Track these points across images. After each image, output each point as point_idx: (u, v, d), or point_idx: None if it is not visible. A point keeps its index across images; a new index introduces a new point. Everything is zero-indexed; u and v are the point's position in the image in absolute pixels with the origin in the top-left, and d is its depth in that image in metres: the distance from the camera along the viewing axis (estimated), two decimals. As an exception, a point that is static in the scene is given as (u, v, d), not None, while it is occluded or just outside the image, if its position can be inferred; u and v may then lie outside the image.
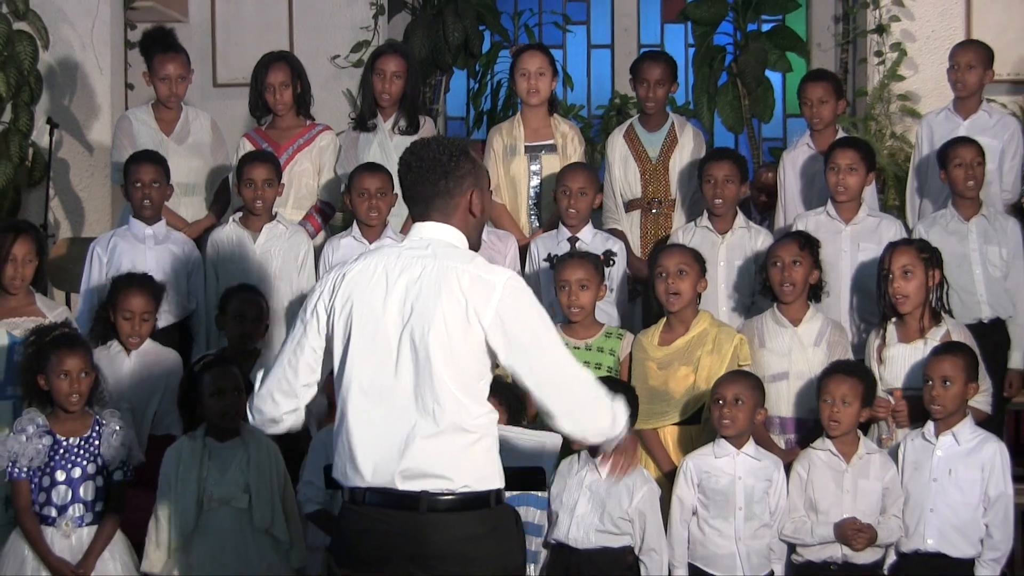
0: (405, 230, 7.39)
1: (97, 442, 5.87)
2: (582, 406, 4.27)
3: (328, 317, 4.25)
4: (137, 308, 6.57)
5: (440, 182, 4.30)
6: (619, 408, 4.34)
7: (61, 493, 5.80)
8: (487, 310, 4.16)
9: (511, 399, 5.73)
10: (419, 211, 4.35)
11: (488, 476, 4.23)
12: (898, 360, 6.34)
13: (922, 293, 6.35)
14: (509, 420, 5.73)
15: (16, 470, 5.79)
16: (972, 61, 7.71)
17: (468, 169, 4.35)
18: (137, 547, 5.88)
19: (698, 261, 6.46)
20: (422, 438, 4.14)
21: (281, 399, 4.30)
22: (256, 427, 4.42)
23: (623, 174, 7.64)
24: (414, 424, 4.15)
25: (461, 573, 4.16)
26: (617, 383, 5.80)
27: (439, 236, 4.31)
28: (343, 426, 4.21)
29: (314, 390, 4.33)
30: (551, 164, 7.51)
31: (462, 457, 4.18)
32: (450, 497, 4.16)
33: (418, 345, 4.15)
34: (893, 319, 6.42)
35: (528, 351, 4.19)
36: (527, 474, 4.54)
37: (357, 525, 4.21)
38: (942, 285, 6.54)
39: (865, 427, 6.21)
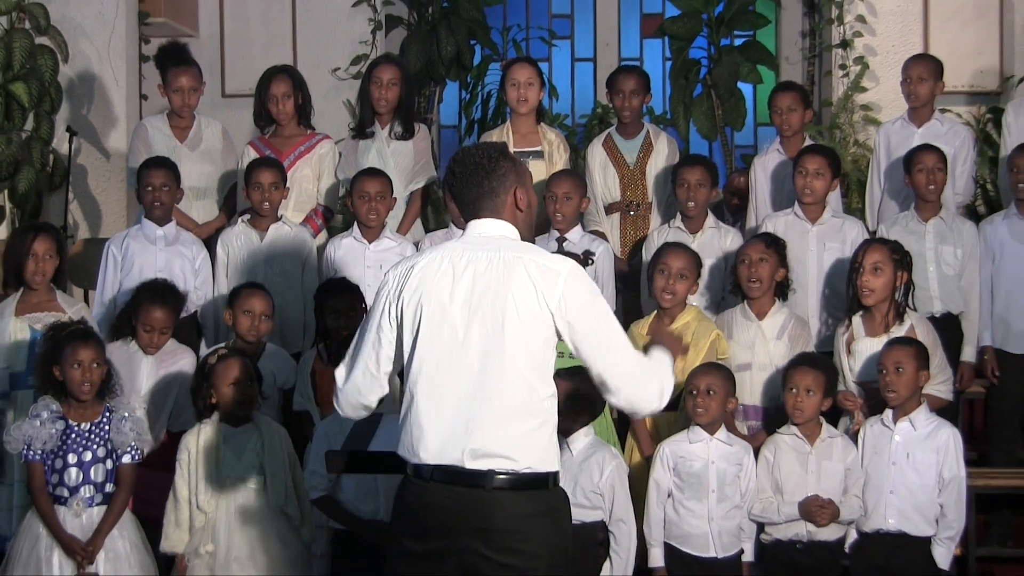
0: (404, 230, 7.46)
1: (107, 428, 5.87)
2: (635, 383, 4.33)
3: (398, 309, 4.28)
4: (157, 323, 6.55)
5: (484, 183, 4.35)
6: (667, 384, 4.40)
7: (73, 475, 5.80)
8: (555, 294, 4.21)
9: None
10: (470, 211, 4.39)
11: (549, 459, 4.28)
12: (865, 353, 6.33)
13: (888, 290, 6.35)
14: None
15: (31, 452, 5.80)
16: (923, 74, 7.72)
17: (508, 168, 4.40)
18: (152, 525, 5.88)
19: (698, 267, 6.48)
20: (490, 420, 4.18)
21: (368, 391, 4.36)
22: (345, 414, 4.47)
23: (603, 179, 7.64)
24: (483, 406, 4.18)
25: (519, 548, 4.18)
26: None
27: (494, 231, 4.35)
28: (412, 407, 4.24)
29: (394, 376, 4.37)
30: (538, 170, 7.48)
31: (527, 439, 4.21)
32: (513, 477, 4.19)
33: (490, 331, 4.20)
34: (859, 313, 6.42)
35: (590, 332, 4.26)
36: None
37: (423, 499, 4.22)
38: (909, 286, 6.53)
39: (832, 416, 6.21)
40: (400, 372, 4.39)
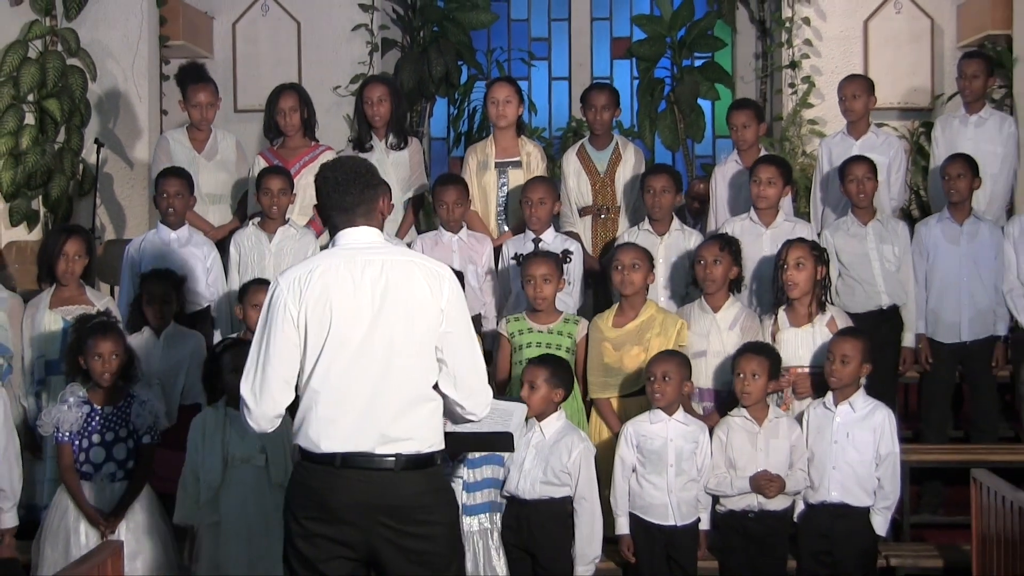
0: (402, 235, 7.43)
1: (128, 411, 5.87)
2: (479, 392, 4.36)
3: (303, 316, 4.19)
4: (157, 294, 6.56)
5: (365, 191, 4.33)
6: (516, 414, 4.67)
7: (97, 454, 5.80)
8: (443, 294, 4.25)
9: (566, 380, 5.84)
10: (346, 218, 4.32)
11: (439, 440, 4.31)
12: (790, 341, 6.33)
13: (810, 283, 6.35)
14: (563, 399, 5.83)
15: (60, 434, 5.81)
16: (856, 91, 7.72)
17: (380, 179, 4.45)
18: (168, 499, 5.86)
19: (648, 258, 6.45)
20: (397, 409, 4.17)
21: (283, 399, 4.24)
22: (258, 427, 4.27)
23: (576, 185, 7.61)
24: (391, 397, 4.17)
25: (424, 519, 4.21)
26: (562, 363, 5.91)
27: (367, 238, 4.32)
28: (317, 403, 4.18)
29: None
30: (517, 178, 7.50)
31: (426, 423, 4.23)
32: (415, 457, 4.20)
33: (393, 328, 4.18)
34: (783, 307, 6.41)
35: (460, 336, 4.29)
36: (497, 437, 4.54)
37: (331, 484, 4.18)
38: (827, 280, 6.54)
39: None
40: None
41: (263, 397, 4.21)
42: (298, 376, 4.22)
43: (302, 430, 4.22)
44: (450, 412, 4.34)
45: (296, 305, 4.20)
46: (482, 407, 4.38)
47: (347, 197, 4.30)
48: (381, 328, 4.17)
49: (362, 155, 7.50)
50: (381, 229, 4.43)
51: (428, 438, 4.23)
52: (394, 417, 4.17)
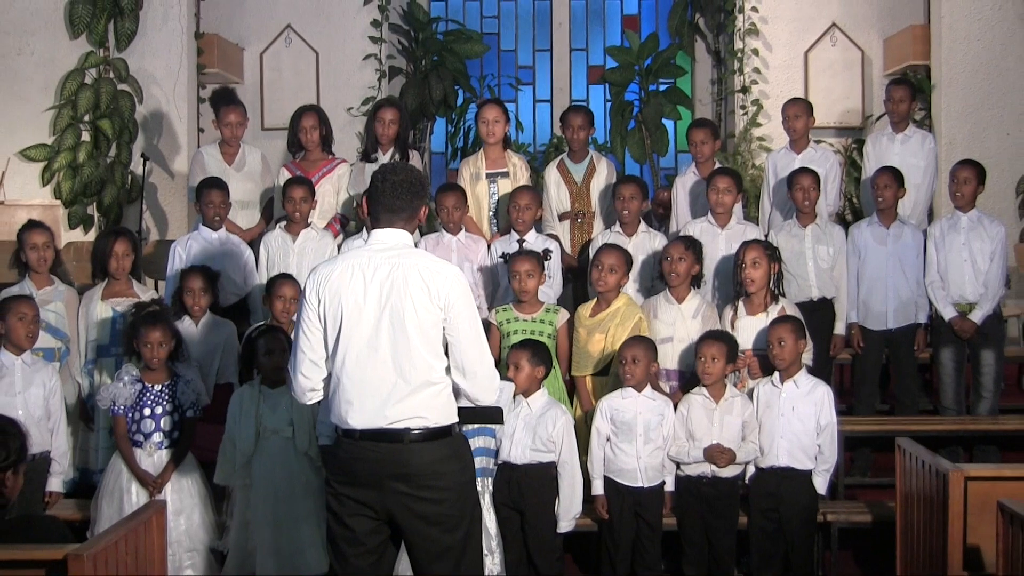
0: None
1: (174, 389, 5.88)
2: (484, 378, 4.32)
3: (321, 310, 4.22)
4: (196, 287, 6.53)
5: (412, 200, 4.31)
6: (503, 391, 4.48)
7: (147, 425, 5.81)
8: (443, 293, 4.21)
9: (545, 359, 5.82)
10: (387, 219, 4.32)
11: (449, 414, 4.28)
12: (747, 328, 6.34)
13: (765, 279, 6.36)
14: (545, 375, 5.83)
15: (116, 407, 5.83)
16: (798, 112, 7.75)
17: (427, 191, 4.44)
18: (208, 466, 5.87)
19: (626, 262, 6.43)
20: (403, 392, 4.18)
21: (314, 376, 4.28)
22: (299, 399, 4.36)
23: (556, 194, 7.59)
24: (395, 382, 4.18)
25: (433, 485, 4.21)
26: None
27: (396, 240, 4.31)
28: (340, 388, 4.21)
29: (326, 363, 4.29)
30: (505, 186, 7.48)
31: (432, 402, 4.22)
32: (424, 431, 4.20)
33: (395, 324, 4.18)
34: (742, 298, 6.42)
35: (464, 329, 4.25)
36: (489, 411, 4.54)
37: (354, 454, 4.22)
38: (780, 275, 6.56)
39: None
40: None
41: (296, 374, 4.29)
42: (330, 362, 4.25)
43: (332, 409, 4.26)
44: (463, 395, 4.33)
45: (317, 299, 4.23)
46: (487, 392, 4.34)
47: (396, 201, 4.30)
48: (386, 323, 4.17)
49: (368, 165, 7.55)
50: (413, 232, 4.41)
51: (436, 415, 4.22)
52: (402, 399, 4.17)
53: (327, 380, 4.30)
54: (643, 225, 7.16)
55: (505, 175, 7.55)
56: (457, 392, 4.32)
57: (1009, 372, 8.10)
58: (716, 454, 5.82)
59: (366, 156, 7.69)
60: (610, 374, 6.21)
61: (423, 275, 4.21)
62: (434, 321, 4.21)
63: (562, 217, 7.60)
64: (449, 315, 4.22)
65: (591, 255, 6.83)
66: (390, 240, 4.30)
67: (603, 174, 7.61)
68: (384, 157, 7.58)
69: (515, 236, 7.07)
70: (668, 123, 11.20)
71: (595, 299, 6.50)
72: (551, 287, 6.96)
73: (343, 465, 4.25)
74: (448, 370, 4.28)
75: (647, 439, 5.84)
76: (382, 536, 4.28)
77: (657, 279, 6.81)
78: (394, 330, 4.18)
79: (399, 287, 4.19)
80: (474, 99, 11.22)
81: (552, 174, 7.69)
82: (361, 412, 4.18)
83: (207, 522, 5.83)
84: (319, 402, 4.39)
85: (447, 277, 4.26)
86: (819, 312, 6.98)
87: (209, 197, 7.11)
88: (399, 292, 4.18)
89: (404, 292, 4.18)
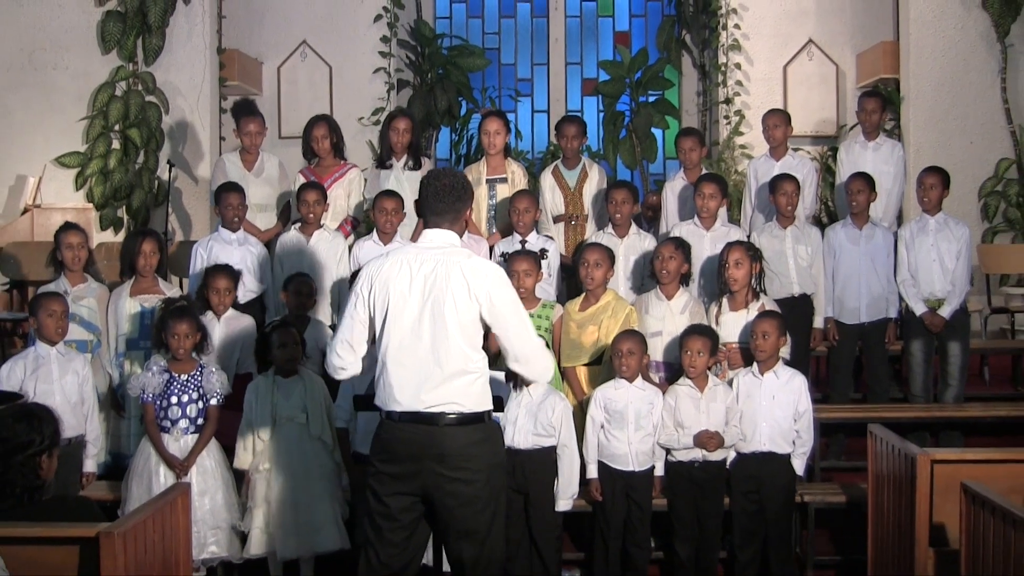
0: (416, 235, 7.41)
1: (199, 378, 5.87)
2: (536, 360, 4.36)
3: (370, 299, 4.28)
4: (221, 286, 6.52)
5: (455, 202, 4.37)
6: (551, 365, 4.50)
7: (174, 412, 5.81)
8: (482, 290, 4.23)
9: None
10: (434, 220, 4.38)
11: (483, 402, 4.30)
12: (730, 323, 6.34)
13: (747, 278, 6.36)
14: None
15: (145, 395, 5.83)
16: (776, 122, 7.75)
17: (471, 195, 4.45)
18: (230, 450, 5.88)
19: (610, 257, 6.42)
20: (440, 379, 4.21)
21: (344, 353, 4.31)
22: (330, 373, 4.40)
23: (552, 198, 7.59)
24: (432, 369, 4.21)
25: (465, 466, 4.23)
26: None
27: (443, 240, 4.36)
28: (384, 372, 4.25)
29: (365, 347, 4.34)
30: (503, 191, 7.47)
31: (467, 389, 4.25)
32: (459, 416, 4.22)
33: (435, 317, 4.21)
34: (726, 295, 6.42)
35: (507, 319, 4.27)
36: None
37: (394, 435, 4.25)
38: (761, 274, 6.57)
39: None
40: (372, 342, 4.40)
41: (331, 352, 4.34)
42: (377, 348, 4.31)
43: (377, 392, 4.30)
44: (521, 379, 4.36)
45: (367, 289, 4.29)
46: (541, 373, 4.44)
47: (439, 204, 4.35)
48: (428, 313, 4.21)
49: (383, 172, 7.55)
50: (461, 234, 4.45)
51: (470, 402, 4.24)
52: (439, 385, 4.19)
53: (365, 361, 4.35)
54: (634, 227, 7.15)
55: (503, 180, 7.54)
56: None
57: (972, 363, 8.09)
58: (706, 439, 5.82)
59: (381, 163, 7.69)
60: (603, 364, 6.20)
61: (464, 271, 4.25)
62: (472, 314, 4.23)
63: (556, 220, 7.60)
64: (491, 309, 4.24)
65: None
66: (438, 240, 4.35)
67: (595, 180, 7.61)
68: (398, 164, 7.58)
69: (516, 237, 7.07)
70: (657, 132, 11.21)
71: (583, 295, 6.50)
72: (551, 284, 6.97)
73: (384, 445, 4.28)
74: (481, 360, 4.30)
75: (638, 426, 5.83)
76: (415, 514, 4.29)
77: (648, 277, 6.81)
78: (435, 320, 4.21)
79: (441, 281, 4.23)
80: (477, 109, 11.24)
81: (547, 179, 7.69)
82: (401, 395, 4.21)
83: (229, 502, 5.82)
84: (335, 390, 4.39)
85: (487, 274, 4.29)
86: (800, 307, 6.98)
87: (228, 200, 7.10)
88: (441, 286, 4.22)
89: (446, 286, 4.22)
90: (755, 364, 6.00)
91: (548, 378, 4.53)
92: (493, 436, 4.38)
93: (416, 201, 4.49)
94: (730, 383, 6.05)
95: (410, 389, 4.21)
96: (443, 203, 4.35)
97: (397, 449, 4.23)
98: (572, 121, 7.74)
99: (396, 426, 4.23)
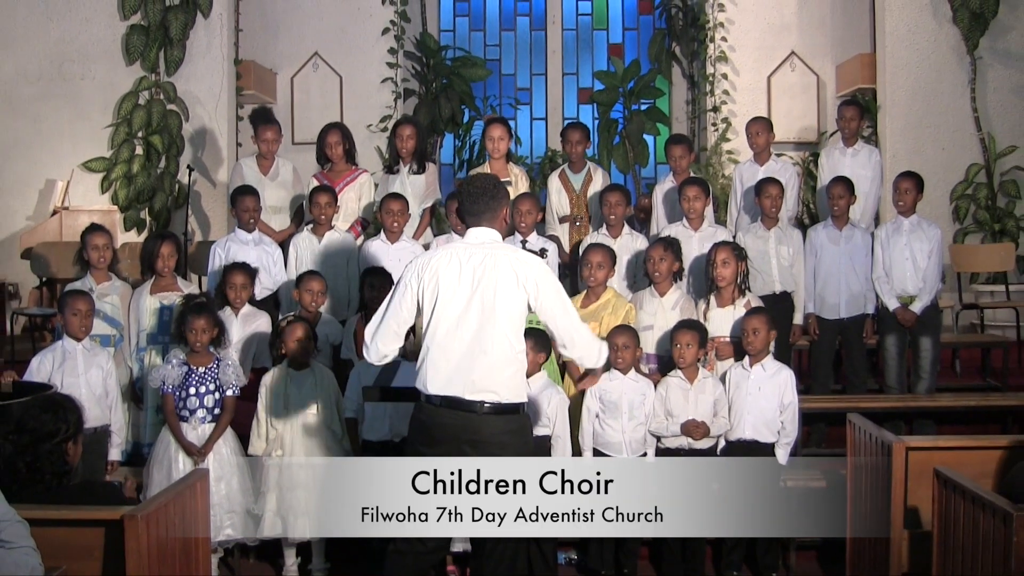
0: (418, 236, 7.42)
1: (216, 371, 5.86)
2: (584, 344, 4.38)
3: (420, 288, 4.30)
4: (238, 282, 6.50)
5: (490, 202, 4.39)
6: (604, 349, 4.49)
7: (192, 402, 5.80)
8: (529, 280, 4.26)
9: (545, 345, 5.74)
10: (475, 220, 4.41)
11: (521, 394, 4.32)
12: (717, 318, 6.33)
13: (733, 276, 6.35)
14: (544, 360, 5.79)
15: (165, 386, 5.82)
16: (758, 129, 7.73)
17: (504, 194, 4.47)
18: (244, 438, 5.88)
19: (612, 259, 6.40)
20: (483, 366, 4.22)
21: (390, 343, 4.31)
22: (370, 360, 4.36)
23: (558, 200, 7.60)
24: (479, 356, 4.22)
25: (497, 454, 4.23)
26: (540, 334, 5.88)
27: (486, 237, 4.39)
28: (428, 355, 4.26)
29: (403, 338, 4.35)
30: (505, 195, 7.48)
31: (508, 380, 4.26)
32: (496, 405, 4.23)
33: (484, 305, 4.23)
34: (713, 292, 6.41)
35: (553, 306, 4.29)
36: None
37: (433, 419, 4.25)
38: (747, 272, 6.55)
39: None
40: (412, 330, 4.40)
41: (374, 338, 4.31)
42: (422, 334, 4.31)
43: (419, 375, 4.29)
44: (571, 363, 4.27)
45: (416, 281, 4.31)
46: (592, 356, 4.43)
47: (475, 205, 4.39)
48: (476, 303, 4.23)
49: (390, 176, 7.53)
50: (502, 232, 4.47)
51: (509, 392, 4.25)
52: (481, 373, 4.20)
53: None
54: (627, 228, 7.14)
55: (507, 183, 7.53)
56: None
57: (944, 356, 8.11)
58: (691, 428, 5.81)
59: (389, 169, 7.69)
60: (610, 359, 6.17)
61: (512, 263, 4.28)
62: (520, 303, 4.25)
63: (562, 221, 7.61)
64: (538, 297, 4.26)
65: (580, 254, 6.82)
66: (482, 236, 4.38)
67: (598, 183, 7.60)
68: (404, 168, 7.58)
69: (517, 237, 7.06)
70: (649, 138, 11.21)
71: (584, 292, 6.49)
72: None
73: (424, 428, 4.28)
74: (522, 352, 4.31)
75: (631, 416, 5.82)
76: None
77: (641, 276, 6.79)
78: (483, 309, 4.22)
79: (490, 272, 4.25)
80: (479, 117, 11.22)
81: (554, 182, 7.70)
82: (442, 379, 4.22)
83: (244, 487, 5.81)
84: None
85: (532, 265, 4.32)
86: (780, 304, 6.96)
87: (243, 203, 7.09)
88: (490, 276, 4.24)
89: (494, 276, 4.24)
90: (746, 357, 5.99)
91: (602, 362, 4.51)
92: (526, 427, 4.39)
93: (456, 208, 4.49)
94: (722, 377, 6.04)
95: (452, 374, 4.21)
96: (479, 204, 4.38)
97: (434, 433, 4.24)
98: (576, 127, 7.77)
99: (436, 410, 4.24)
